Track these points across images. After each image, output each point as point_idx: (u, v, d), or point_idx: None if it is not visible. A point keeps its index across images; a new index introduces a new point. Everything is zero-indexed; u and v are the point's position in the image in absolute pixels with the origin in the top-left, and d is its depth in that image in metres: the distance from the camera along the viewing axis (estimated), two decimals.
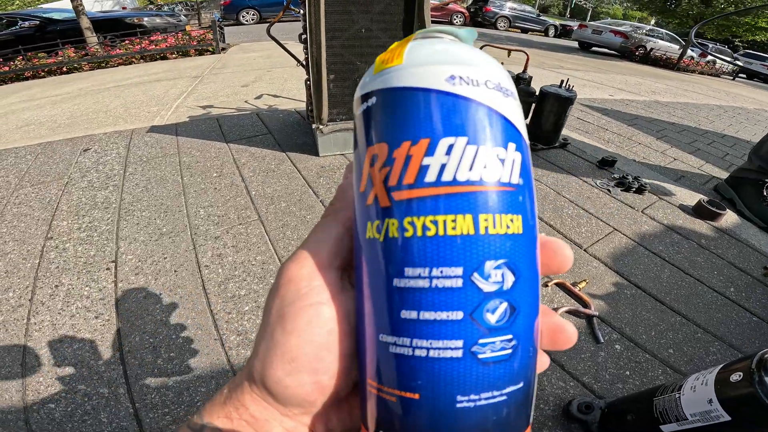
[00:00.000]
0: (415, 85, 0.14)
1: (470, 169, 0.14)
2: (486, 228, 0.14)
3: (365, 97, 0.16)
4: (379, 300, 0.15)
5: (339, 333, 0.17)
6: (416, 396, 0.14)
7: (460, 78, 0.14)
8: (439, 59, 0.15)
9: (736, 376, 0.54)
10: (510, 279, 0.14)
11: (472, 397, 0.14)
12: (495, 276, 0.14)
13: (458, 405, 0.14)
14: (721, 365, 0.58)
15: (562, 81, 1.85)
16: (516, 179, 0.15)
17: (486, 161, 0.14)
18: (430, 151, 0.14)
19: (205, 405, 0.20)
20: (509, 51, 2.12)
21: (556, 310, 0.98)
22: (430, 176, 0.14)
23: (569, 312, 1.00)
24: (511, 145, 0.15)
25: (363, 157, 0.16)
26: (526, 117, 1.99)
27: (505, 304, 0.14)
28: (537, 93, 1.88)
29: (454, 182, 0.14)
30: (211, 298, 0.94)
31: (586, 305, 1.02)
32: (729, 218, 1.52)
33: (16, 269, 1.06)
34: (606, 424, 0.73)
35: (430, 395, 0.14)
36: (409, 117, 0.14)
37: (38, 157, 1.75)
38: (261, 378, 0.18)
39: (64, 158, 1.75)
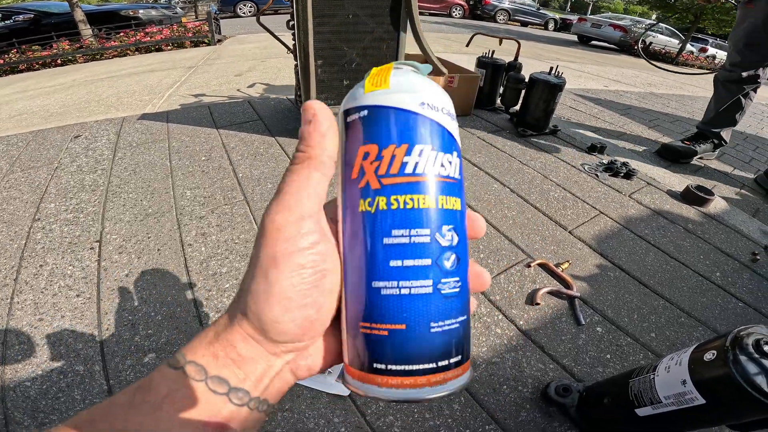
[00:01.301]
0: (398, 106, 0.20)
1: (433, 166, 0.20)
2: (442, 204, 0.20)
3: (358, 109, 0.21)
4: (372, 255, 0.20)
5: (323, 272, 0.21)
6: (403, 326, 0.20)
7: (427, 104, 0.21)
8: (413, 88, 0.21)
9: (709, 355, 0.50)
10: (456, 239, 0.21)
11: (440, 323, 0.20)
12: (447, 236, 0.20)
13: (432, 330, 0.20)
14: (697, 344, 0.56)
15: (551, 68, 1.85)
16: (457, 175, 0.21)
17: (442, 162, 0.21)
18: (408, 152, 0.20)
19: (187, 345, 0.22)
20: (501, 39, 2.12)
21: (537, 290, 0.98)
22: (409, 169, 0.20)
23: (551, 293, 0.99)
24: (455, 153, 0.21)
25: (355, 152, 0.21)
26: (516, 104, 1.99)
27: (454, 255, 0.21)
28: (527, 80, 1.88)
29: (424, 174, 0.20)
30: (193, 276, 0.95)
31: (568, 286, 1.01)
32: (717, 204, 1.52)
33: (2, 250, 1.06)
34: (584, 407, 0.71)
35: (413, 324, 0.19)
36: (393, 127, 0.20)
37: (29, 144, 1.75)
38: (257, 316, 0.20)
39: (55, 145, 1.75)
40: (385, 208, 0.20)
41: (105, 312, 0.87)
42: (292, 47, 1.53)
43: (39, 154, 1.66)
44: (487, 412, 0.71)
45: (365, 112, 0.21)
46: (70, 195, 1.31)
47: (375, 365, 0.20)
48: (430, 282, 0.20)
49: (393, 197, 0.20)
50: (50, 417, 0.68)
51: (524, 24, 12.34)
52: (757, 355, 0.47)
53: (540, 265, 1.08)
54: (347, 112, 0.22)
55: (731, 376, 0.47)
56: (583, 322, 0.92)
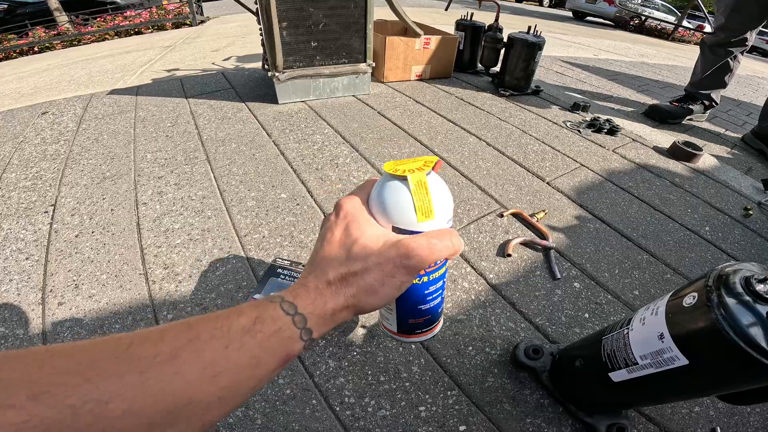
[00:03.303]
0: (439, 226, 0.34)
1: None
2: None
3: (411, 231, 0.34)
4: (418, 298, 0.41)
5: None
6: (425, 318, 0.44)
7: (450, 219, 0.35)
8: (445, 217, 0.34)
9: (689, 299, 0.39)
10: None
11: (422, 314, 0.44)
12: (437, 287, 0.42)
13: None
14: (677, 288, 0.44)
15: (529, 27, 1.78)
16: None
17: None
18: None
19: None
20: (480, 2, 2.06)
21: (510, 240, 0.93)
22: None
23: (524, 243, 0.93)
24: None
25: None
26: (495, 64, 1.94)
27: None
28: (505, 40, 1.81)
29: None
30: (144, 233, 0.90)
31: (543, 237, 0.96)
32: (706, 160, 1.47)
33: None
34: (557, 373, 0.61)
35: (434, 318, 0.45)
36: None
37: None
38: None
39: (22, 121, 1.70)
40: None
41: (51, 273, 0.82)
42: (255, 11, 1.46)
43: (6, 131, 1.61)
44: (450, 376, 0.64)
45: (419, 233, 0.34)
46: (31, 164, 1.27)
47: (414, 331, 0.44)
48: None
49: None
50: None
51: (518, 0, 12.14)
52: (747, 298, 0.35)
53: (513, 214, 1.03)
54: (400, 230, 0.34)
55: (716, 325, 0.35)
56: (559, 276, 0.84)
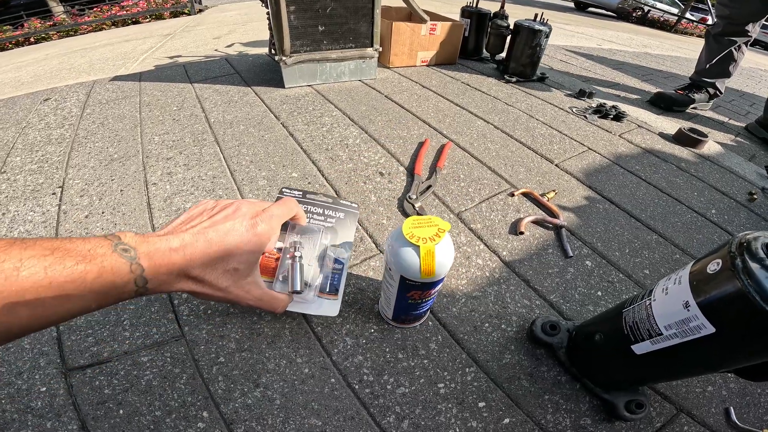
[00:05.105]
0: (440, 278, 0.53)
1: (436, 289, 0.59)
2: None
3: (414, 281, 0.51)
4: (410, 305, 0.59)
5: None
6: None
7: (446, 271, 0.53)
8: (441, 273, 0.51)
9: (714, 266, 0.39)
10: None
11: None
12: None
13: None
14: (697, 258, 0.44)
15: (535, 14, 1.77)
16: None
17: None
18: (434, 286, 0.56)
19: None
20: None
21: (521, 219, 0.93)
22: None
23: (535, 222, 0.94)
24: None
25: (408, 292, 0.54)
26: (501, 50, 1.93)
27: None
28: (511, 27, 1.80)
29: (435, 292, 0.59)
30: (155, 212, 0.89)
31: (554, 215, 0.96)
32: (711, 147, 1.47)
33: None
34: (574, 349, 0.61)
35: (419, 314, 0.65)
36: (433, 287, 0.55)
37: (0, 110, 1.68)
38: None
39: (25, 108, 1.68)
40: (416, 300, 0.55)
41: None
42: None
43: (8, 117, 1.60)
44: (468, 353, 0.64)
45: (419, 283, 0.51)
46: (36, 148, 1.26)
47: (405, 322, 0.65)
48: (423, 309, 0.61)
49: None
50: None
51: None
52: None
53: (524, 194, 1.03)
54: (405, 279, 0.50)
55: (743, 290, 0.35)
56: (571, 254, 0.85)
